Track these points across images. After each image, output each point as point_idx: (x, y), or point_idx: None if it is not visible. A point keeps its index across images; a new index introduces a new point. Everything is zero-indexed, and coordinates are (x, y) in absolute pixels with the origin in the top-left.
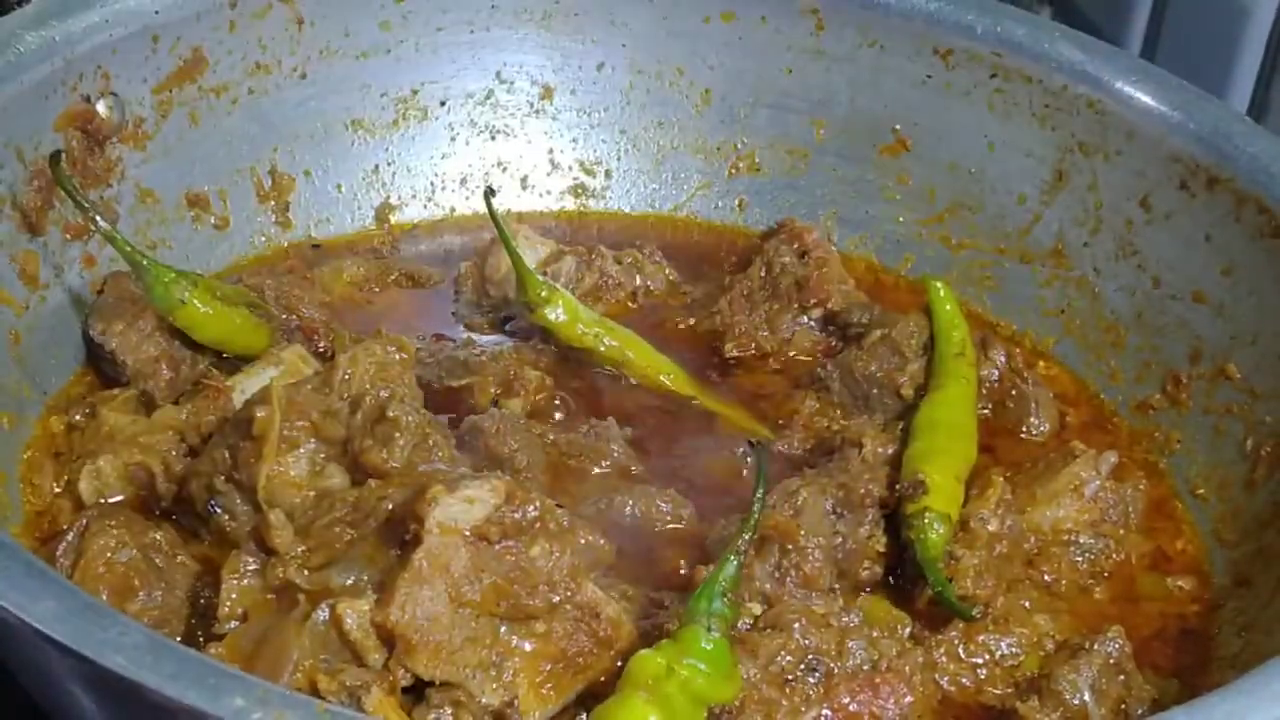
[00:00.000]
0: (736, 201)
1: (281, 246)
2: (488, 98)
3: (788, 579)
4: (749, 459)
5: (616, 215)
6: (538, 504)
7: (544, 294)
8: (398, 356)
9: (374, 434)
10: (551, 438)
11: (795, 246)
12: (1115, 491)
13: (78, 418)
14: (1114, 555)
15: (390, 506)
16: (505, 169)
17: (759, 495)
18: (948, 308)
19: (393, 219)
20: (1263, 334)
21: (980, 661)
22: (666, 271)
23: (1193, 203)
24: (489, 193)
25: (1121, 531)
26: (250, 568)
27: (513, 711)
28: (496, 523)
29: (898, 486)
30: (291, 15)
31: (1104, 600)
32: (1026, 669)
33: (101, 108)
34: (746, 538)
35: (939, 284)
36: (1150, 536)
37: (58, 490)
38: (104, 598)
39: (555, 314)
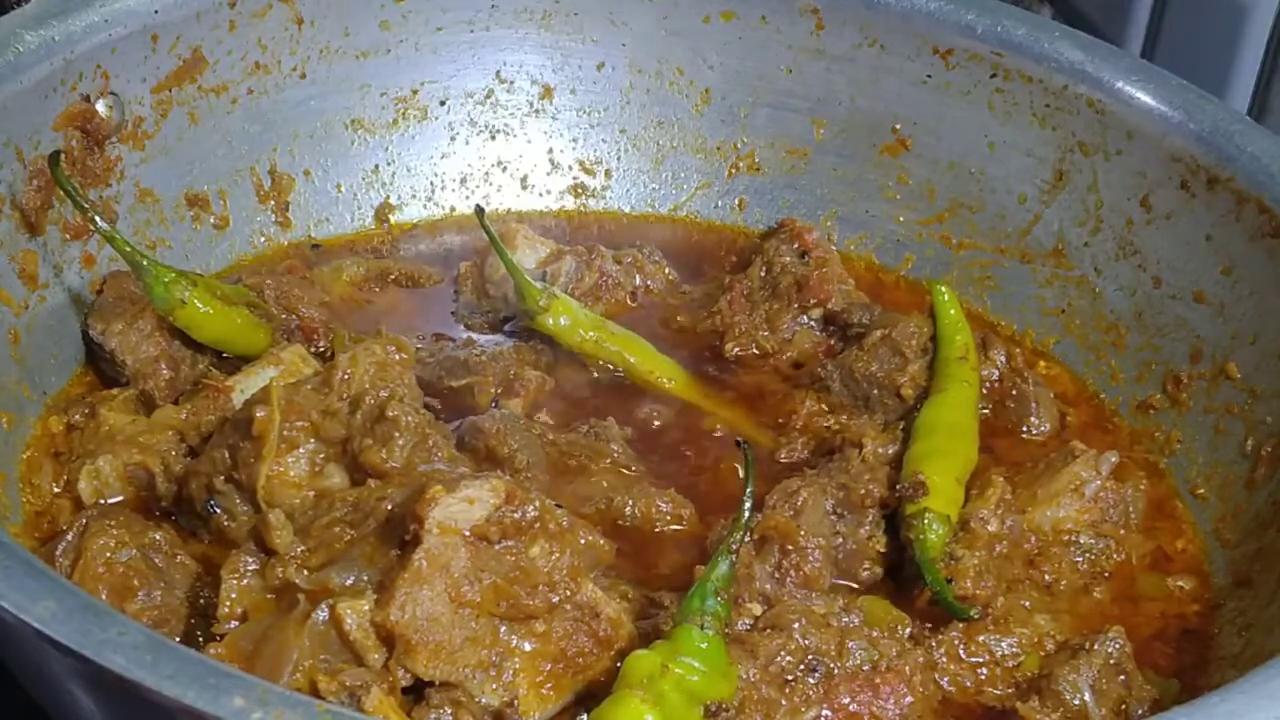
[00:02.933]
0: (736, 201)
1: (281, 246)
2: (488, 97)
3: (788, 579)
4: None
5: (616, 215)
6: (537, 504)
7: (543, 302)
8: (398, 356)
9: (374, 434)
10: (551, 437)
11: (795, 246)
12: (1116, 491)
13: (77, 418)
14: (1114, 555)
15: (390, 506)
16: (505, 169)
17: (748, 494)
18: (951, 312)
19: (393, 219)
20: (1263, 334)
21: (980, 661)
22: (666, 271)
23: (1193, 202)
24: (480, 210)
25: (1122, 531)
26: (250, 568)
27: (513, 711)
28: (496, 523)
29: (898, 487)
30: (291, 15)
31: (1104, 600)
32: (1027, 669)
33: (101, 107)
34: (737, 537)
35: (943, 288)
36: (1151, 536)
37: (57, 490)
38: (104, 598)
39: (555, 321)
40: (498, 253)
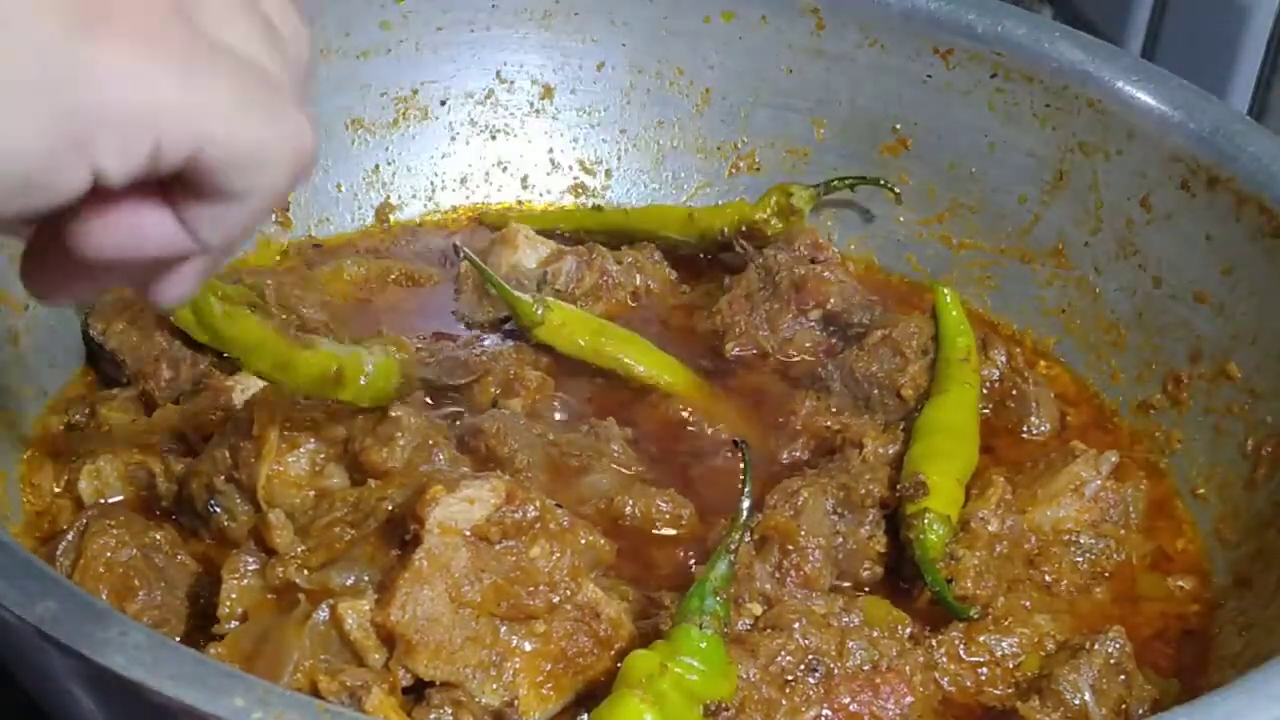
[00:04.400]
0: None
1: (281, 246)
2: (488, 97)
3: (788, 579)
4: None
5: None
6: (538, 504)
7: (539, 313)
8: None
9: (375, 434)
10: (551, 437)
11: (795, 246)
12: (1116, 491)
13: (78, 418)
14: (1114, 555)
15: (390, 506)
16: (505, 168)
17: (746, 494)
18: (953, 313)
19: (393, 218)
20: (1263, 334)
21: (981, 661)
22: (666, 271)
23: (1193, 202)
24: (456, 250)
25: (1122, 531)
26: (250, 568)
27: (513, 711)
28: (497, 523)
29: (898, 487)
30: None
31: (1104, 600)
32: (1027, 669)
33: None
34: (736, 537)
35: (946, 290)
36: (1151, 536)
37: (57, 490)
38: (104, 598)
39: (553, 332)
40: (485, 277)
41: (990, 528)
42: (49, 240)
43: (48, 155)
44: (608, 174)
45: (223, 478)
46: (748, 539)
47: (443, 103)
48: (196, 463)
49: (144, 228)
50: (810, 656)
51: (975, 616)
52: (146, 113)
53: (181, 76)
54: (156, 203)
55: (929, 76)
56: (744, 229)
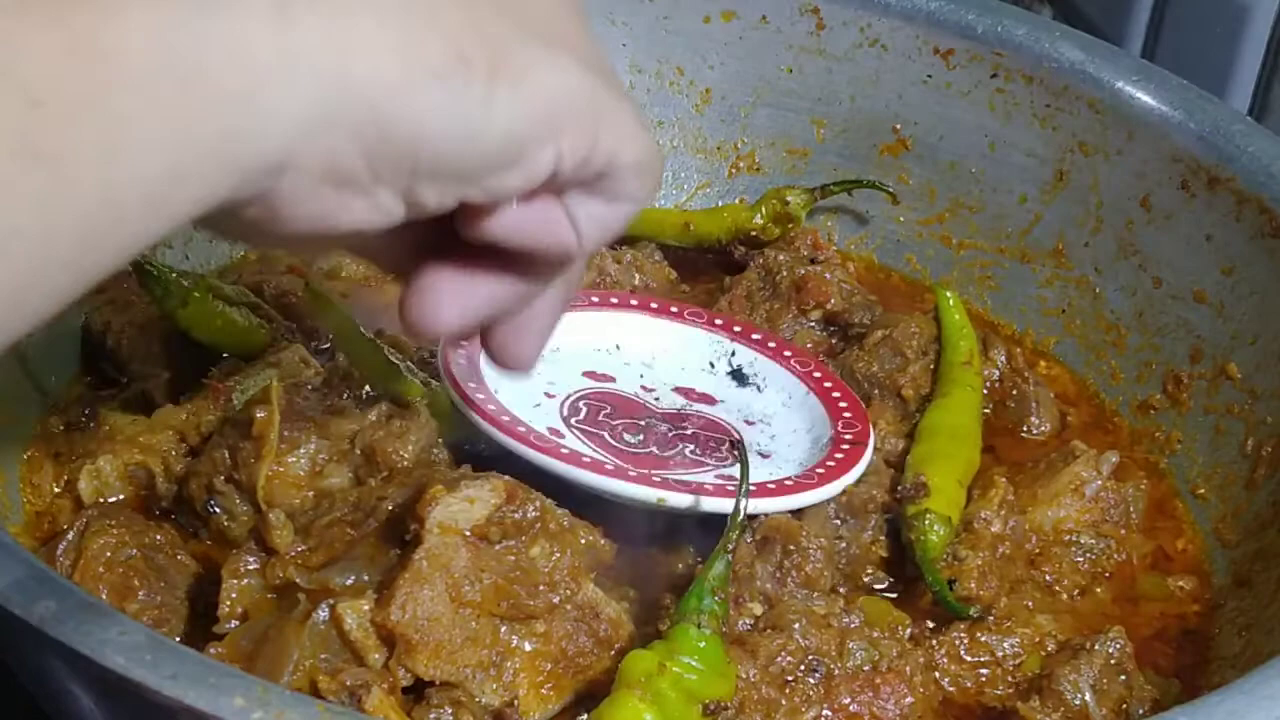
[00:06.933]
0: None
1: None
2: None
3: (789, 579)
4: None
5: None
6: (538, 504)
7: None
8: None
9: (389, 426)
10: None
11: (795, 246)
12: (1116, 491)
13: (78, 418)
14: (1115, 555)
15: (391, 506)
16: None
17: (743, 492)
18: (956, 317)
19: None
20: (1264, 334)
21: (981, 661)
22: (666, 271)
23: (1193, 203)
24: None
25: (1122, 531)
26: (250, 567)
27: (513, 711)
28: (497, 523)
29: (899, 488)
30: None
31: (1105, 600)
32: (1027, 669)
33: None
34: (734, 536)
35: (948, 293)
36: (1151, 536)
37: (58, 490)
38: (104, 598)
39: None
40: None
41: (993, 528)
42: (428, 268)
43: (534, 138)
44: None
45: (223, 478)
46: (748, 539)
47: None
48: (196, 463)
49: (551, 220)
50: (810, 657)
51: (976, 615)
52: (594, 113)
53: (614, 91)
54: (555, 199)
55: (929, 76)
56: (741, 236)
